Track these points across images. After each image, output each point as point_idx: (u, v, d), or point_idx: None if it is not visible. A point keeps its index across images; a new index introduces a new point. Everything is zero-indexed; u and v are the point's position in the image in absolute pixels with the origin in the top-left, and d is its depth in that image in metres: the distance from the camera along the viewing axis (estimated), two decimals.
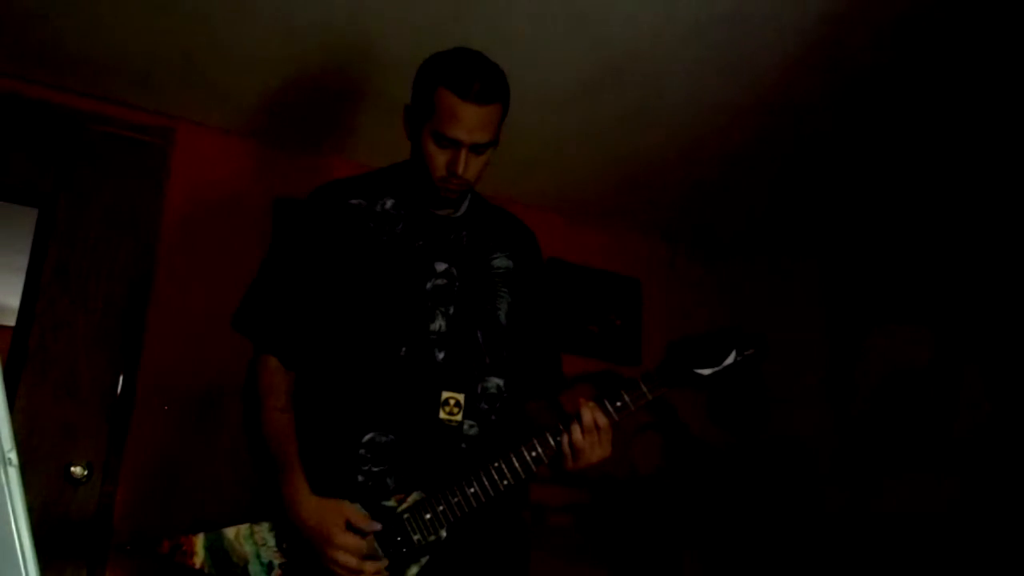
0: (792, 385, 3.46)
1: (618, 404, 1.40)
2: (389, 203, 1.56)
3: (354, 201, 1.55)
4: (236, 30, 2.32)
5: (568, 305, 3.37)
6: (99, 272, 2.58)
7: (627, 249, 3.60)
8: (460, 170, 1.46)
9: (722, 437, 3.55)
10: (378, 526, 1.37)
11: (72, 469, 2.41)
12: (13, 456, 0.79)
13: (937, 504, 2.85)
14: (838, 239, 3.41)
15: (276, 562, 1.39)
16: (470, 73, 1.45)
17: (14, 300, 2.65)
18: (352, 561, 1.34)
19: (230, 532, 1.39)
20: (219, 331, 2.66)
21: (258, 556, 1.38)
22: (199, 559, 1.36)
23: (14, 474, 0.79)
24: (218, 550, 1.37)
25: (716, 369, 1.41)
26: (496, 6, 2.20)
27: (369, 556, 1.36)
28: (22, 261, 2.60)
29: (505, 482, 1.39)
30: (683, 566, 3.30)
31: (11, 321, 2.62)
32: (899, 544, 2.93)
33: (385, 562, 1.37)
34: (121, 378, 2.55)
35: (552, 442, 1.39)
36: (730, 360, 1.42)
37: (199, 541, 1.37)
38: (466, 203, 1.61)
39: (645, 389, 1.41)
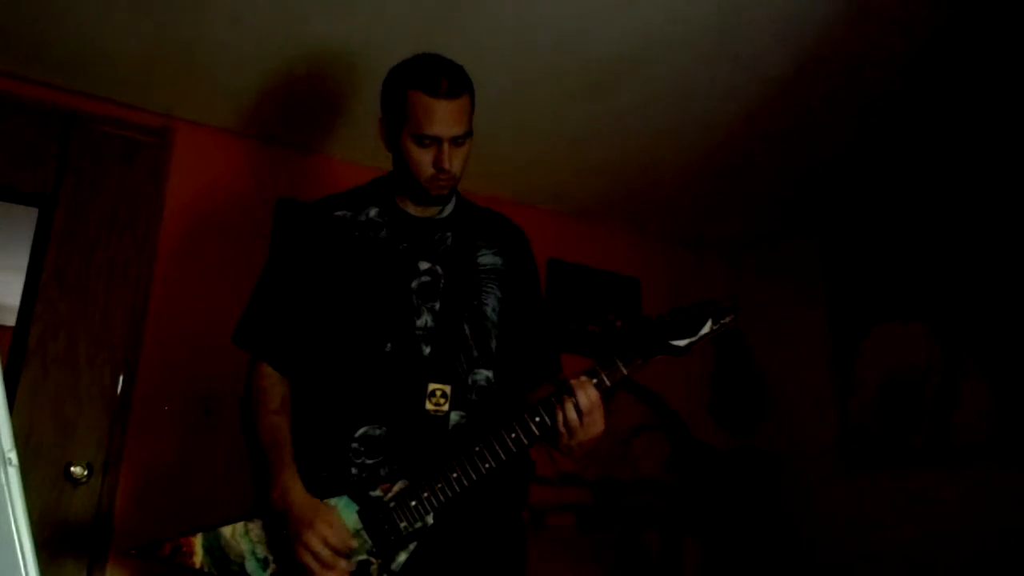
0: (793, 384, 3.46)
1: (595, 381, 1.43)
2: (373, 212, 1.61)
3: (339, 213, 1.61)
4: (236, 30, 2.32)
5: (568, 305, 3.37)
6: (99, 272, 2.58)
7: (627, 249, 3.61)
8: (446, 164, 1.51)
9: (722, 437, 3.56)
10: (354, 544, 1.39)
11: (72, 469, 2.41)
12: (13, 456, 0.79)
13: (937, 504, 2.85)
14: (840, 238, 3.41)
15: (271, 558, 1.42)
16: (435, 72, 1.51)
17: (14, 300, 2.64)
18: (325, 552, 1.35)
19: (226, 531, 1.42)
20: (219, 331, 2.67)
21: (253, 552, 1.42)
22: (199, 558, 1.39)
23: (14, 474, 0.79)
24: (216, 549, 1.40)
25: (692, 339, 1.45)
26: (495, 7, 2.21)
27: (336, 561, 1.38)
28: (22, 261, 2.60)
29: (487, 465, 1.41)
30: (684, 565, 3.30)
31: (11, 321, 2.62)
32: (899, 544, 2.93)
33: (353, 566, 1.38)
34: (121, 378, 2.55)
35: (532, 424, 1.42)
36: (706, 329, 1.45)
37: (198, 541, 1.40)
38: (451, 205, 1.66)
39: (620, 364, 1.44)
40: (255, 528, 1.43)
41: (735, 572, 3.34)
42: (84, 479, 2.42)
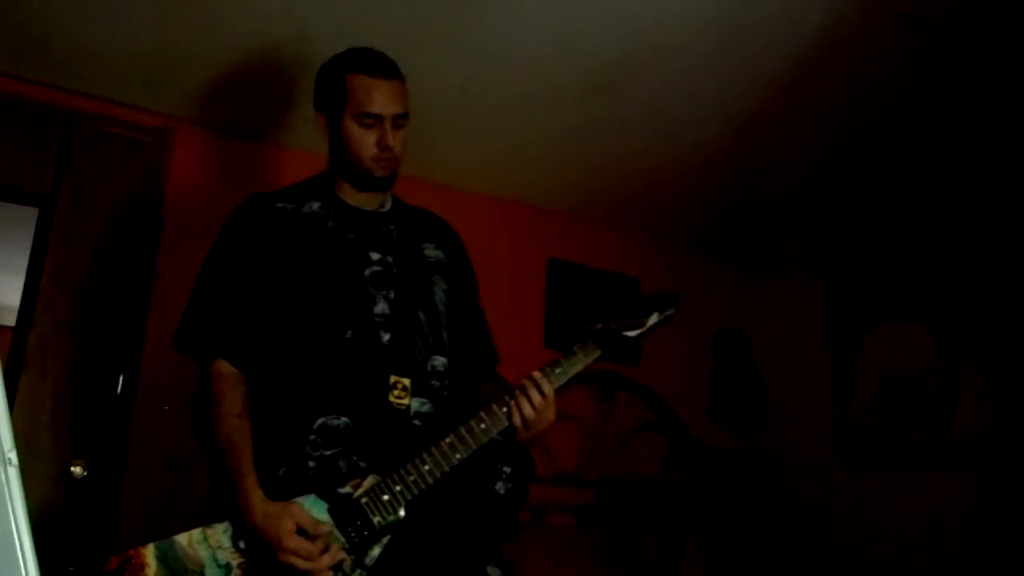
0: (793, 383, 3.46)
1: (557, 371, 1.50)
2: (315, 205, 1.63)
3: (280, 205, 1.62)
4: (237, 31, 2.32)
5: (568, 305, 3.37)
6: (99, 272, 2.58)
7: (627, 249, 3.60)
8: (390, 141, 1.56)
9: (722, 437, 3.55)
10: (326, 529, 1.39)
11: (72, 469, 2.41)
12: (13, 456, 0.79)
13: (937, 504, 2.85)
14: (840, 238, 3.41)
15: (234, 563, 1.38)
16: (371, 55, 1.60)
17: (14, 300, 2.64)
18: (301, 563, 1.36)
19: (182, 539, 1.37)
20: None
21: (215, 559, 1.37)
22: (151, 570, 1.33)
23: (14, 474, 0.79)
24: (171, 559, 1.34)
25: (642, 330, 1.55)
26: (497, 7, 2.21)
27: (322, 551, 1.38)
28: (22, 261, 2.60)
29: (458, 456, 1.44)
30: (683, 565, 3.30)
31: (11, 321, 2.62)
32: (897, 543, 2.93)
33: (339, 550, 1.38)
34: (121, 378, 2.55)
35: (500, 413, 1.46)
36: (653, 320, 1.56)
37: (149, 552, 1.34)
38: (389, 202, 1.69)
39: (581, 355, 1.52)
40: (215, 533, 1.38)
41: (735, 571, 3.34)
42: (84, 479, 2.42)
